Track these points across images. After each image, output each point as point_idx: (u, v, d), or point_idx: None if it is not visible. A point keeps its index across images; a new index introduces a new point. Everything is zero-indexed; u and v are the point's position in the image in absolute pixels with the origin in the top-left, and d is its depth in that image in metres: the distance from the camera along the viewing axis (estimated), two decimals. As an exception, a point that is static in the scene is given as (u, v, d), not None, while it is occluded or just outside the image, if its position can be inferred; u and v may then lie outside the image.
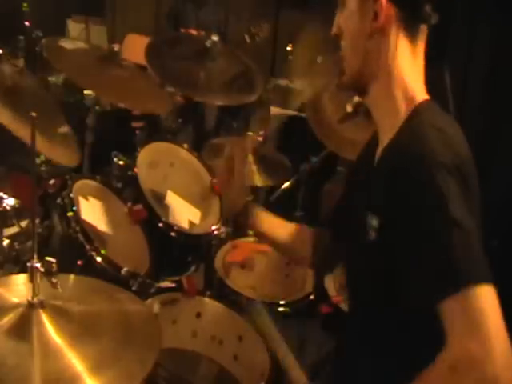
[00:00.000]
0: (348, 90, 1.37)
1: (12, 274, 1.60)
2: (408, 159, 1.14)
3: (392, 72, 1.25)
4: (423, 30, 1.26)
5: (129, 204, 2.07)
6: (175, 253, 2.19)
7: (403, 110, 1.23)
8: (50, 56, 2.34)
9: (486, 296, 0.99)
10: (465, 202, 1.07)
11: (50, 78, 3.28)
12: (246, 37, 3.79)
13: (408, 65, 1.25)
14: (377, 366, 1.22)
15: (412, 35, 1.24)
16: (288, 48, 4.34)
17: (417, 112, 1.21)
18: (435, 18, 1.24)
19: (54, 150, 2.00)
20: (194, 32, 3.91)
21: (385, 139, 1.27)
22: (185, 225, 2.18)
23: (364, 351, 1.29)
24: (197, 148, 2.51)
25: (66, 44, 2.46)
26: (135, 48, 2.93)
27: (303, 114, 2.77)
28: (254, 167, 2.54)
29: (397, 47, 1.24)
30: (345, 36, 1.30)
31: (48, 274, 1.19)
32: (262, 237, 1.76)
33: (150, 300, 1.77)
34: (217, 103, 3.42)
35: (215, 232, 2.21)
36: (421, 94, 1.25)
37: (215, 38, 2.58)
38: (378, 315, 1.25)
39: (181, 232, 2.12)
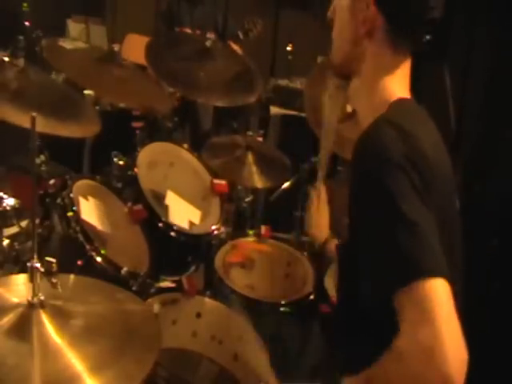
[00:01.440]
0: (334, 74, 1.39)
1: (12, 274, 1.60)
2: (358, 156, 1.17)
3: (374, 78, 1.26)
4: (409, 49, 1.26)
5: (129, 204, 2.08)
6: (175, 253, 2.19)
7: (378, 109, 1.23)
8: (50, 57, 2.34)
9: (437, 288, 1.00)
10: (416, 195, 1.07)
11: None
12: (240, 33, 3.80)
13: (391, 75, 1.26)
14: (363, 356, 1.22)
15: (400, 51, 1.25)
16: (288, 48, 4.34)
17: (387, 110, 1.22)
18: (425, 41, 1.24)
19: (71, 127, 2.01)
20: (188, 31, 3.92)
21: None
22: (185, 225, 2.18)
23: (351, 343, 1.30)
24: (194, 147, 2.51)
25: (66, 44, 2.46)
26: (135, 48, 2.93)
27: (303, 114, 2.76)
28: (254, 167, 2.54)
29: (382, 57, 1.25)
30: (336, 23, 1.31)
31: (48, 273, 1.19)
32: None
33: (149, 300, 1.77)
34: (216, 104, 3.42)
35: (215, 232, 2.21)
36: (397, 92, 1.26)
37: (211, 36, 2.59)
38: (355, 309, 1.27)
39: (181, 232, 2.12)
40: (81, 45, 4.84)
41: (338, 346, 1.43)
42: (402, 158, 1.09)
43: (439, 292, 1.00)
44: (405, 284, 1.01)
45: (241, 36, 3.84)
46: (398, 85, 1.27)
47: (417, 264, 1.02)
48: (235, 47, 3.64)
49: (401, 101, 1.25)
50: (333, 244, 1.78)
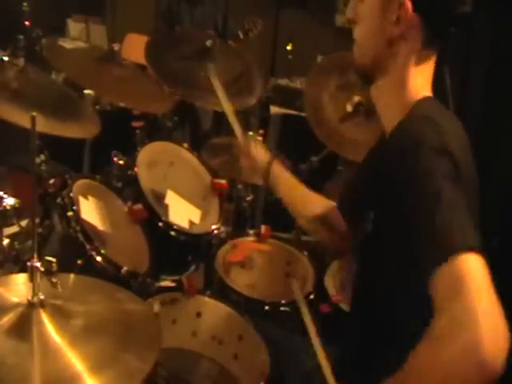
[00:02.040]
0: (358, 75, 1.38)
1: (12, 273, 1.60)
2: (398, 146, 1.17)
3: (403, 76, 1.26)
4: (438, 45, 1.27)
5: (129, 204, 2.08)
6: (175, 252, 2.19)
7: (406, 106, 1.24)
8: (50, 56, 2.34)
9: (472, 262, 0.98)
10: (453, 179, 1.07)
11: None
12: (240, 33, 3.80)
13: (418, 72, 1.26)
14: (382, 361, 1.21)
15: (429, 47, 1.25)
16: (288, 48, 4.34)
17: (416, 107, 1.23)
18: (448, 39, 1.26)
19: (70, 127, 2.01)
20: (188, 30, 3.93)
21: (387, 133, 1.30)
22: (185, 224, 2.18)
23: (369, 347, 1.30)
24: (194, 147, 2.51)
25: (66, 44, 2.46)
26: (135, 48, 2.93)
27: (303, 114, 2.76)
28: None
29: (413, 55, 1.25)
30: (361, 25, 1.30)
31: (48, 273, 1.19)
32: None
33: (150, 299, 1.77)
34: (215, 109, 3.41)
35: (215, 231, 2.21)
36: (423, 92, 1.27)
37: (211, 36, 2.59)
38: (379, 309, 1.27)
39: (181, 231, 2.12)
40: (81, 45, 4.84)
41: (349, 344, 1.43)
42: (440, 146, 1.09)
43: (475, 266, 0.97)
44: (441, 261, 0.98)
45: (241, 36, 3.84)
46: (424, 82, 1.27)
47: (453, 240, 1.00)
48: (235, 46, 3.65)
49: (429, 98, 1.25)
50: (275, 165, 1.77)
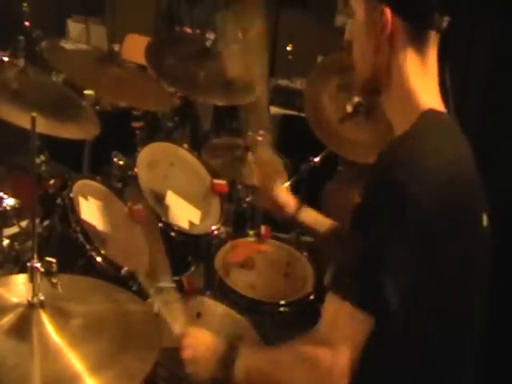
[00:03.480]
0: (362, 94, 1.40)
1: (12, 274, 1.60)
2: (383, 180, 1.16)
3: (402, 83, 1.25)
4: (432, 35, 1.24)
5: (129, 204, 2.08)
6: (175, 253, 2.19)
7: (411, 116, 1.22)
8: (50, 57, 2.35)
9: (365, 322, 1.10)
10: (405, 234, 1.10)
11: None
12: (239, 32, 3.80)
13: (418, 75, 1.25)
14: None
15: (421, 44, 1.24)
16: (288, 48, 4.34)
17: (417, 124, 1.21)
18: (445, 21, 1.24)
19: (70, 128, 2.01)
20: (188, 30, 3.93)
21: None
22: (185, 225, 2.18)
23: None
24: (194, 147, 2.51)
25: (66, 45, 2.47)
26: (135, 48, 2.94)
27: (303, 114, 2.76)
28: (254, 167, 2.54)
29: (406, 59, 1.24)
30: (355, 44, 1.31)
31: (48, 273, 1.19)
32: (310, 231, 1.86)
33: (149, 300, 1.77)
34: (216, 103, 3.43)
35: (215, 232, 2.21)
36: (428, 103, 1.24)
37: (211, 36, 2.60)
38: None
39: (181, 232, 2.12)
40: (81, 45, 4.84)
41: None
42: (402, 185, 1.10)
43: (362, 324, 1.10)
44: (344, 297, 1.12)
45: (240, 36, 3.84)
46: (429, 93, 1.25)
47: (360, 292, 1.11)
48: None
49: (432, 112, 1.23)
50: (304, 212, 1.81)
